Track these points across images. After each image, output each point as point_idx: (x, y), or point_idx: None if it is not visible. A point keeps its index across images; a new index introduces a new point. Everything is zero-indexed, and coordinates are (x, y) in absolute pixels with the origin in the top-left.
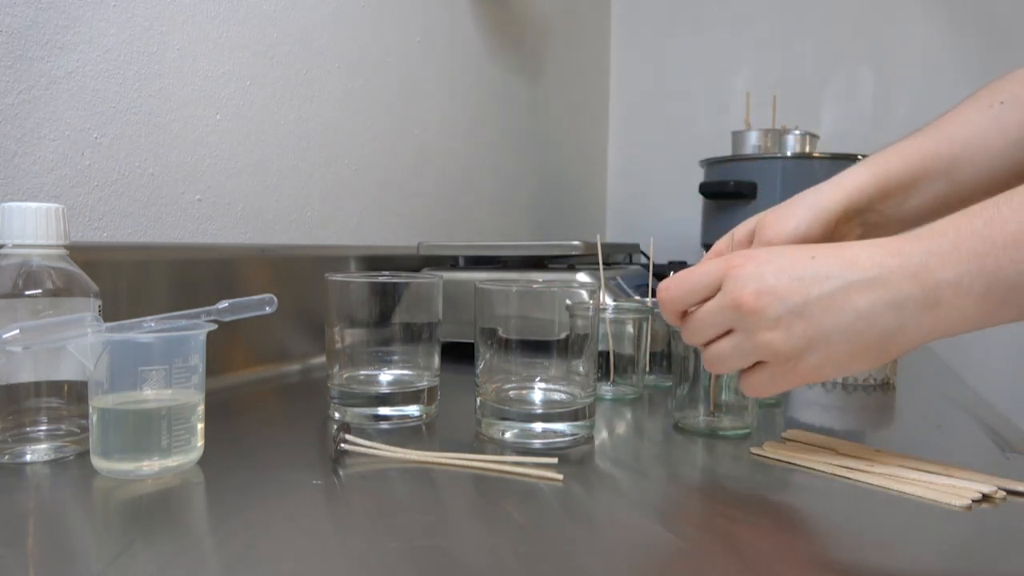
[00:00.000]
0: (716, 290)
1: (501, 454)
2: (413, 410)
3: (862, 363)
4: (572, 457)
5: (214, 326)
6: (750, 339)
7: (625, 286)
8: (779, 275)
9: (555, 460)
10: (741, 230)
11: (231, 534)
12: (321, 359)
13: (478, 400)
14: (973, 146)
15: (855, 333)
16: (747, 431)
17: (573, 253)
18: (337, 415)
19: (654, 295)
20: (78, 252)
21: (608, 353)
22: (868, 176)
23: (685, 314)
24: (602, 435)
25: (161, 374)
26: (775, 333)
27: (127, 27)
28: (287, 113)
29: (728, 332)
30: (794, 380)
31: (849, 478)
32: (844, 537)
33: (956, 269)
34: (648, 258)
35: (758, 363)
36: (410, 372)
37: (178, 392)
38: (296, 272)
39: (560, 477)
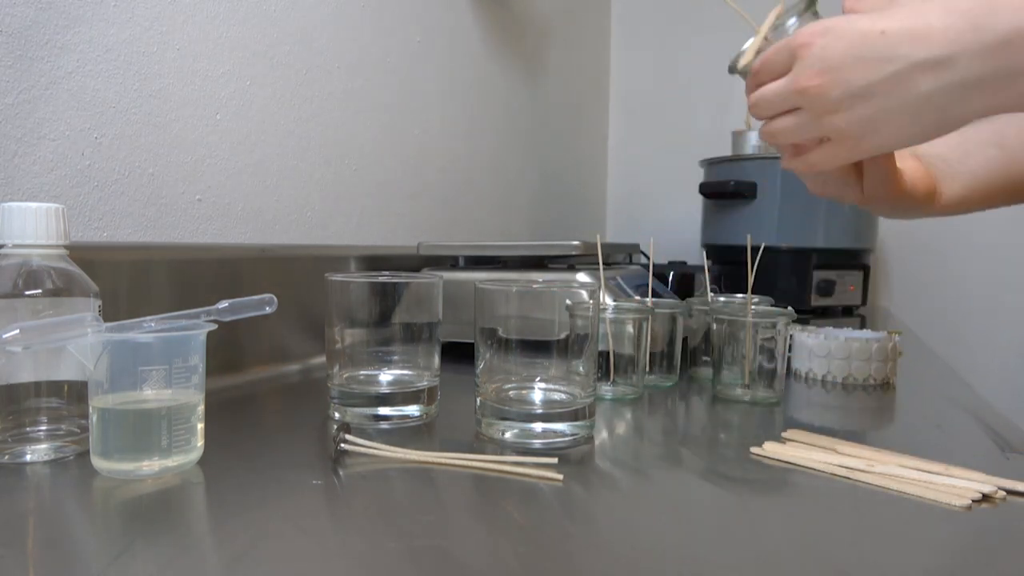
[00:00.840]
0: (789, 68)
1: (501, 454)
2: (413, 410)
3: (922, 138)
4: (572, 457)
5: (214, 326)
6: (815, 120)
7: (625, 286)
8: (845, 55)
9: (555, 460)
10: None
11: (231, 534)
12: (321, 359)
13: (478, 400)
14: None
15: (916, 113)
16: (776, 400)
17: (573, 253)
18: (337, 415)
19: (655, 295)
20: (78, 252)
21: (608, 353)
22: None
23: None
24: (602, 435)
25: (161, 374)
26: (838, 115)
27: (127, 27)
28: (287, 113)
29: (793, 110)
30: (854, 156)
31: (849, 478)
32: (844, 537)
33: (1008, 57)
34: (648, 258)
35: (820, 140)
36: (410, 372)
37: (178, 392)
38: (296, 272)
39: (560, 477)
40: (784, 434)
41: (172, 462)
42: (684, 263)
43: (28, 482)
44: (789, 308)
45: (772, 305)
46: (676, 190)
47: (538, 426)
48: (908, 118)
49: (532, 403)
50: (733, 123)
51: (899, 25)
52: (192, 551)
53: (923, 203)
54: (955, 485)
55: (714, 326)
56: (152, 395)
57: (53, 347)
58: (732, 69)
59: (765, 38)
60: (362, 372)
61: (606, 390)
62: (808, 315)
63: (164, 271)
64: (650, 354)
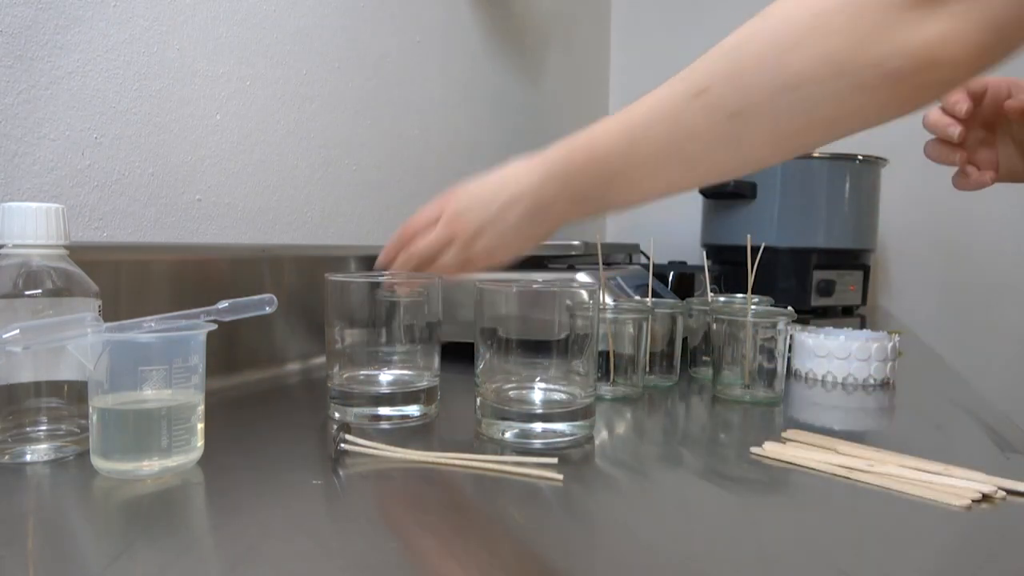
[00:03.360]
0: (437, 219)
1: (501, 454)
2: (413, 410)
3: (528, 247)
4: (572, 457)
5: (214, 326)
6: (464, 245)
7: (625, 286)
8: (474, 200)
9: (555, 460)
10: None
11: (231, 534)
12: (321, 359)
13: (478, 400)
14: None
15: (518, 231)
16: (776, 400)
17: (573, 253)
18: (337, 415)
19: (655, 295)
20: (78, 252)
21: (608, 353)
22: None
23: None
24: (602, 435)
25: (161, 374)
26: (480, 240)
27: (127, 27)
28: (287, 113)
29: (445, 247)
30: (494, 266)
31: (849, 478)
32: (844, 537)
33: (551, 189)
34: (648, 258)
35: (469, 260)
36: (410, 372)
37: (178, 392)
38: (296, 272)
39: (560, 477)
40: (784, 434)
41: (172, 462)
42: (684, 263)
43: (28, 482)
44: (789, 308)
45: (772, 305)
46: None
47: (538, 426)
48: (516, 235)
49: (532, 403)
50: None
51: (498, 179)
52: (192, 551)
53: None
54: (955, 485)
55: (714, 326)
56: (152, 395)
57: (53, 347)
58: None
59: None
60: (362, 372)
61: (606, 390)
62: (808, 315)
63: (164, 271)
64: (650, 354)
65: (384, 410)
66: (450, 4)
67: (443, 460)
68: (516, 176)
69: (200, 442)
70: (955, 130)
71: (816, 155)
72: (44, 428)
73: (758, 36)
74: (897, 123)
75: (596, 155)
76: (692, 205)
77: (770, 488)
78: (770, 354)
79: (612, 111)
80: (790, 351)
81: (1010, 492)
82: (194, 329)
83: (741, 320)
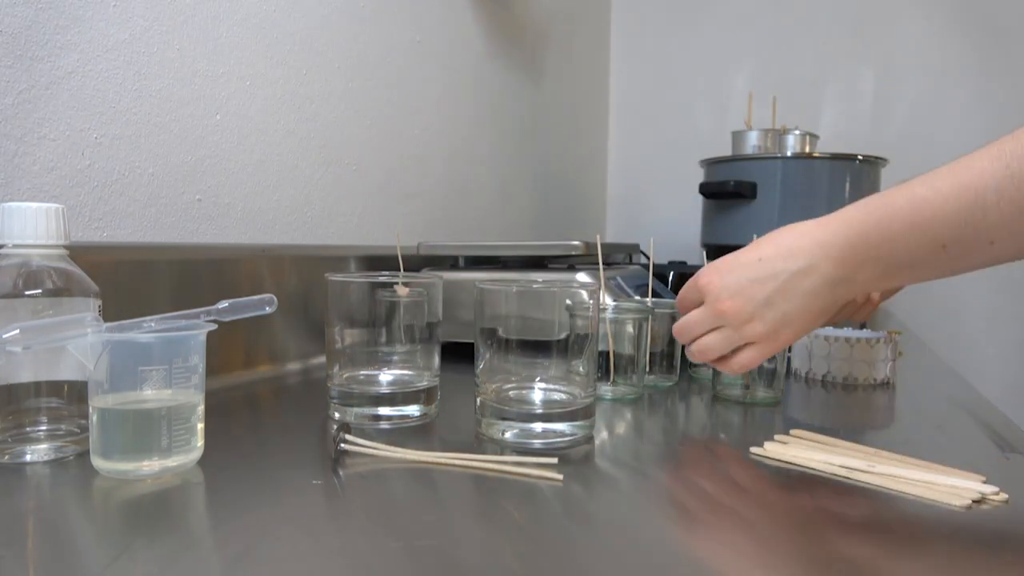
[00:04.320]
0: (699, 303)
1: (501, 454)
2: (413, 410)
3: (818, 323)
4: (572, 457)
5: (214, 326)
6: (736, 332)
7: (625, 286)
8: (741, 281)
9: (555, 460)
10: None
11: (231, 534)
12: (321, 359)
13: (478, 400)
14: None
15: (807, 307)
16: (776, 400)
17: (573, 253)
18: (337, 415)
19: (654, 295)
20: (78, 252)
21: (608, 353)
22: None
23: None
24: (602, 435)
25: (161, 374)
26: (754, 323)
27: (127, 27)
28: (287, 113)
29: (713, 330)
30: (775, 349)
31: (849, 478)
32: (844, 537)
33: (859, 255)
34: (648, 258)
35: (742, 346)
36: (410, 372)
37: (178, 392)
38: (296, 272)
39: (560, 477)
40: (784, 434)
41: (172, 462)
42: (684, 263)
43: (28, 482)
44: None
45: None
46: (676, 190)
47: (538, 426)
48: (803, 311)
49: (532, 403)
50: (733, 123)
51: (771, 252)
52: (192, 551)
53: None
54: (955, 485)
55: None
56: (152, 395)
57: (53, 347)
58: None
59: None
60: (362, 372)
61: (606, 390)
62: None
63: (164, 271)
64: (650, 354)
65: (384, 410)
66: (450, 4)
67: (443, 460)
68: (799, 247)
69: (200, 442)
70: None
71: (816, 155)
72: (44, 428)
73: None
74: (897, 123)
75: (919, 221)
76: (692, 205)
77: (770, 488)
78: None
79: (612, 111)
80: (790, 351)
81: (1010, 493)
82: (194, 329)
83: None
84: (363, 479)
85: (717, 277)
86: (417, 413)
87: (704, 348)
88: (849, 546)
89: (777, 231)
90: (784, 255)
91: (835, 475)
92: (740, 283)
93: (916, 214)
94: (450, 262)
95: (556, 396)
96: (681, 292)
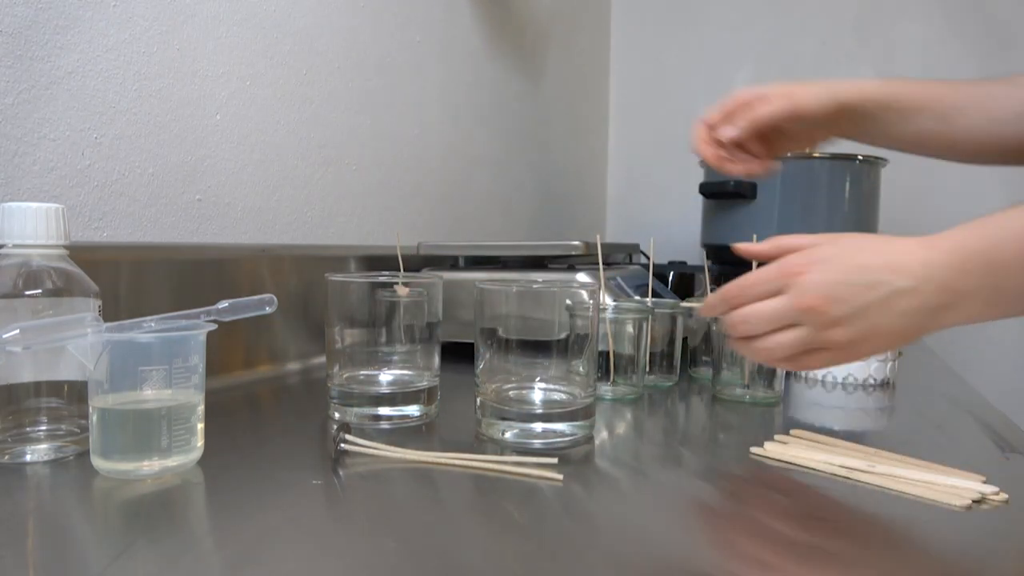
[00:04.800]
0: (776, 292)
1: (501, 454)
2: (413, 410)
3: (899, 344)
4: (572, 457)
5: (214, 326)
6: (816, 333)
7: (625, 286)
8: (839, 282)
9: (555, 460)
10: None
11: (231, 534)
12: (321, 359)
13: (478, 400)
14: (978, 105)
15: (898, 327)
16: (776, 400)
17: (573, 253)
18: (337, 415)
19: (654, 295)
20: (78, 252)
21: (608, 353)
22: (880, 86)
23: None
24: (602, 435)
25: (161, 374)
26: (838, 329)
27: (127, 27)
28: (287, 113)
29: (787, 328)
30: (850, 360)
31: (849, 478)
32: (844, 537)
33: (968, 283)
34: (648, 258)
35: (814, 349)
36: (410, 372)
37: (178, 392)
38: (296, 272)
39: (560, 477)
40: (784, 434)
41: (172, 462)
42: (684, 263)
43: (28, 482)
44: None
45: None
46: (676, 190)
47: (538, 426)
48: (892, 330)
49: (532, 403)
50: None
51: (880, 261)
52: (192, 551)
53: None
54: (955, 485)
55: (714, 326)
56: (152, 395)
57: (53, 347)
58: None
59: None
60: (362, 372)
61: (606, 390)
62: None
63: (164, 271)
64: (650, 354)
65: (384, 410)
66: (450, 4)
67: (443, 460)
68: (906, 265)
69: (200, 442)
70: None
71: (816, 155)
72: (44, 428)
73: None
74: None
75: None
76: (692, 205)
77: (770, 488)
78: None
79: (612, 112)
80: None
81: (1010, 492)
82: (194, 329)
83: None
84: (363, 479)
85: (815, 269)
86: (417, 413)
87: (772, 347)
88: (849, 546)
89: (871, 240)
90: (890, 268)
91: (835, 475)
92: (837, 282)
93: None
94: (450, 262)
95: (556, 396)
96: (755, 275)
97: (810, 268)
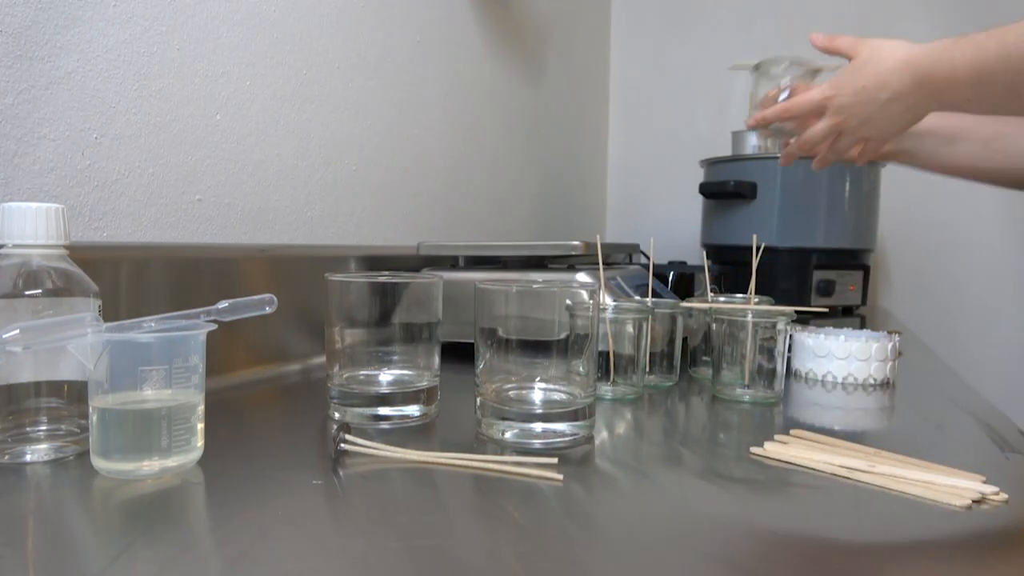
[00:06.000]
0: (822, 113)
1: (501, 454)
2: (413, 410)
3: (899, 131)
4: (572, 457)
5: (214, 326)
6: (848, 133)
7: (625, 286)
8: (851, 104)
9: (555, 460)
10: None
11: (231, 534)
12: (321, 359)
13: (478, 400)
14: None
15: (893, 120)
16: (776, 400)
17: (573, 253)
18: (337, 415)
19: (654, 295)
20: (78, 252)
21: (608, 353)
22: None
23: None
24: (602, 435)
25: (161, 374)
26: (860, 129)
27: (127, 27)
28: (287, 113)
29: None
30: (866, 142)
31: (849, 478)
32: (844, 537)
33: (923, 95)
34: (648, 258)
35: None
36: (410, 372)
37: (178, 392)
38: (296, 272)
39: (560, 477)
40: (784, 434)
41: (172, 462)
42: (684, 263)
43: (28, 482)
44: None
45: (773, 304)
46: (676, 190)
47: (538, 426)
48: (889, 124)
49: (532, 403)
50: (733, 123)
51: (872, 82)
52: (192, 551)
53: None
54: (955, 485)
55: (714, 326)
56: (152, 395)
57: (53, 347)
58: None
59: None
60: (362, 372)
61: (606, 390)
62: (808, 315)
63: (164, 271)
64: (650, 354)
65: (384, 410)
66: (450, 4)
67: (443, 460)
68: (889, 77)
69: (200, 442)
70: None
71: None
72: (44, 428)
73: None
74: None
75: (953, 80)
76: (692, 205)
77: (770, 488)
78: (770, 354)
79: (612, 111)
80: (790, 351)
81: (1010, 493)
82: (194, 329)
83: (741, 320)
84: (363, 479)
85: (835, 97)
86: (417, 413)
87: (813, 135)
88: (849, 546)
89: (873, 60)
90: (882, 84)
91: (835, 475)
92: (850, 104)
93: (951, 77)
94: (450, 262)
95: (556, 396)
96: (800, 103)
97: (837, 93)
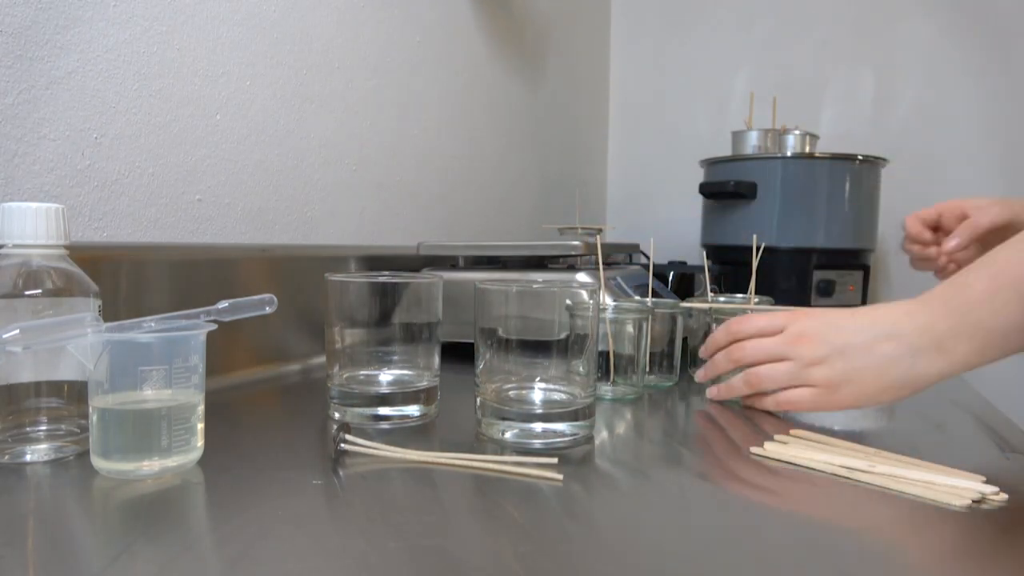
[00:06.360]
0: (777, 332)
1: (501, 454)
2: (413, 410)
3: (887, 396)
4: (572, 457)
5: (214, 326)
6: (801, 367)
7: (625, 286)
8: (828, 326)
9: (555, 460)
10: (950, 210)
11: (231, 534)
12: (321, 359)
13: (478, 400)
14: None
15: (881, 371)
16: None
17: (573, 253)
18: (337, 415)
19: (654, 295)
20: (78, 252)
21: (608, 353)
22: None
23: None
24: (602, 435)
25: (161, 374)
26: (821, 366)
27: (127, 27)
28: (287, 113)
29: (779, 361)
30: (831, 404)
31: (849, 478)
32: (844, 537)
33: (949, 322)
34: (648, 258)
35: (799, 386)
36: (410, 372)
37: (178, 392)
38: (296, 272)
39: (560, 477)
40: (784, 434)
41: (172, 462)
42: (684, 263)
43: (28, 482)
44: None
45: (773, 304)
46: (676, 190)
47: (538, 426)
48: (875, 374)
49: (532, 403)
50: (733, 123)
51: (861, 313)
52: (192, 551)
53: None
54: (955, 485)
55: (714, 325)
56: (152, 395)
57: (53, 347)
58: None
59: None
60: (362, 372)
61: (606, 390)
62: None
63: (164, 271)
64: (650, 354)
65: (384, 410)
66: (450, 4)
67: (443, 460)
68: (888, 315)
69: (200, 442)
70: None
71: (817, 155)
72: (44, 428)
73: None
74: (897, 123)
75: (1001, 280)
76: (692, 205)
77: (770, 488)
78: None
79: (612, 111)
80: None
81: (1010, 492)
82: (194, 329)
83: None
84: (363, 479)
85: (805, 316)
86: (417, 413)
87: (762, 376)
88: (849, 546)
89: (861, 308)
90: (874, 320)
91: (835, 475)
92: (824, 326)
93: (997, 276)
94: (450, 262)
95: (556, 396)
96: (760, 320)
97: (801, 317)
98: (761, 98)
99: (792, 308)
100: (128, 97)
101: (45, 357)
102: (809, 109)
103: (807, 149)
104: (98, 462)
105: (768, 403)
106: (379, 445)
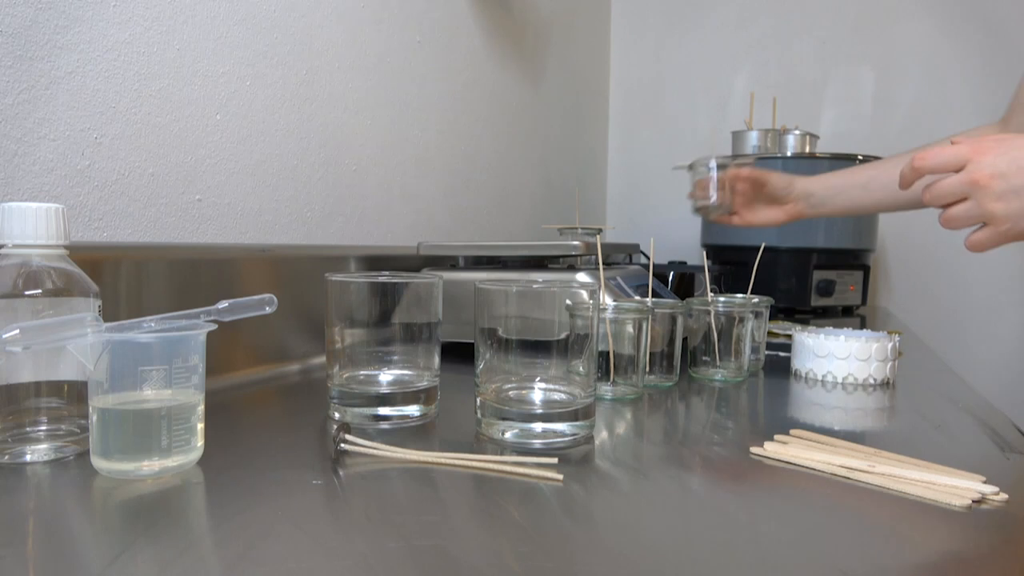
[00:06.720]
0: (960, 167)
1: (501, 454)
2: (413, 410)
3: None
4: (572, 457)
5: (214, 326)
6: (978, 207)
7: (625, 286)
8: (1010, 164)
9: (555, 460)
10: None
11: (231, 534)
12: (321, 359)
13: (478, 400)
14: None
15: None
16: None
17: (573, 253)
18: (337, 415)
19: (654, 295)
20: (78, 252)
21: (608, 353)
22: (817, 180)
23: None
24: (602, 435)
25: (161, 374)
26: (998, 204)
27: (127, 27)
28: (287, 113)
29: (962, 200)
30: (1007, 239)
31: (849, 478)
32: (844, 537)
33: None
34: (648, 258)
35: (982, 226)
36: (410, 372)
37: (178, 392)
38: (296, 272)
39: (560, 477)
40: (784, 434)
41: (172, 462)
42: (684, 263)
43: (28, 482)
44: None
45: (773, 305)
46: (676, 190)
47: (538, 426)
48: None
49: (532, 403)
50: (733, 123)
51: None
52: (192, 551)
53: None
54: (955, 485)
55: (714, 325)
56: (152, 395)
57: (53, 347)
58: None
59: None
60: (362, 372)
61: (606, 390)
62: (808, 315)
63: (164, 271)
64: (650, 354)
65: (384, 410)
66: (450, 4)
67: (443, 460)
68: None
69: (200, 442)
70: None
71: (817, 155)
72: (44, 428)
73: None
74: (897, 123)
75: None
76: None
77: (770, 488)
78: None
79: (612, 112)
80: (789, 351)
81: (1009, 493)
82: (194, 329)
83: (739, 313)
84: (363, 479)
85: (991, 153)
86: (417, 413)
87: (950, 217)
88: (849, 546)
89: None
90: None
91: (835, 475)
92: (1008, 165)
93: None
94: (450, 262)
95: (556, 396)
96: (938, 154)
97: (991, 150)
98: (761, 98)
99: (976, 136)
100: (128, 97)
101: (45, 357)
102: (809, 109)
103: (807, 149)
104: (98, 462)
105: (969, 244)
106: (379, 445)
